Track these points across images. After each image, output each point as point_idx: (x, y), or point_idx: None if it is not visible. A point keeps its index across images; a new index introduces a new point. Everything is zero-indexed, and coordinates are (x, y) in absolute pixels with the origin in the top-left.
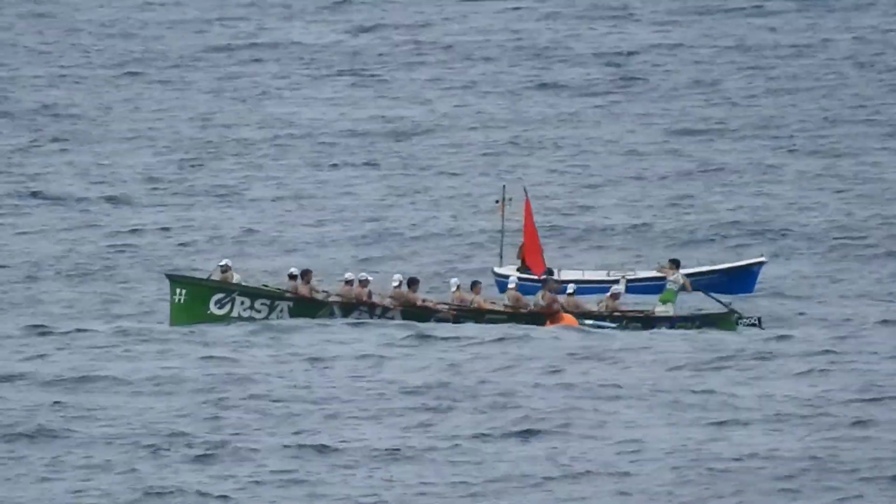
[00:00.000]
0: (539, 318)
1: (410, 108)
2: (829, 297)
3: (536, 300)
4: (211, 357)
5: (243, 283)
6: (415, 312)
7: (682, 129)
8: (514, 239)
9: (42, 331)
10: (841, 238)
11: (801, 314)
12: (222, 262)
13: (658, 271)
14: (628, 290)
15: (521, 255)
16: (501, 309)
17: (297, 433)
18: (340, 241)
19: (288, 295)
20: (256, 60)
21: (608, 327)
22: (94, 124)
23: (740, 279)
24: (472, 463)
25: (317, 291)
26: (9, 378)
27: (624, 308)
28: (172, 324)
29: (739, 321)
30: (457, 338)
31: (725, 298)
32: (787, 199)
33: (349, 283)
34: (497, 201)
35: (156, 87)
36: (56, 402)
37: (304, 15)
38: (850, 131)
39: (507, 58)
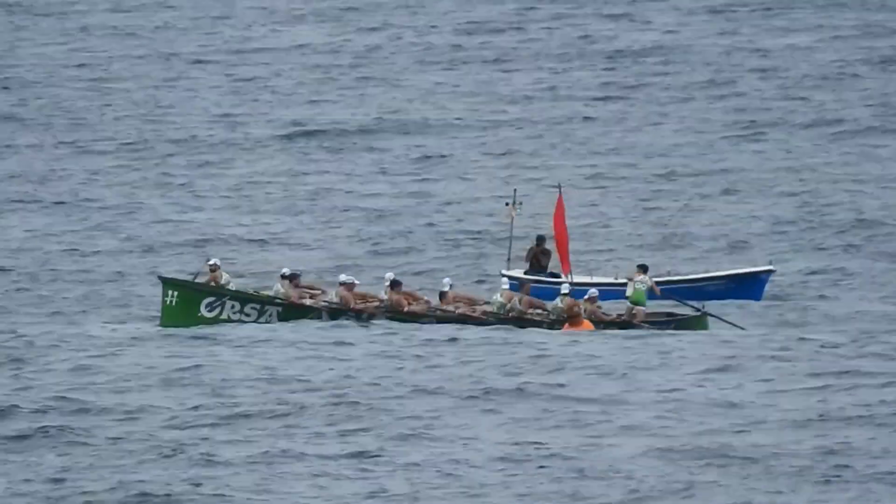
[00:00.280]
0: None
1: (419, 107)
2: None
3: (557, 303)
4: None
5: (232, 287)
6: (402, 317)
7: (695, 131)
8: (523, 242)
9: (49, 328)
10: (859, 238)
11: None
12: (211, 261)
13: (628, 278)
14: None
15: (533, 258)
16: (481, 316)
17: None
18: (347, 240)
19: (278, 300)
20: (264, 63)
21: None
22: (99, 126)
23: (748, 286)
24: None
25: (314, 289)
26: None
27: (601, 311)
28: (163, 325)
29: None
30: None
31: (697, 304)
32: (809, 201)
33: (343, 285)
34: (507, 204)
35: (162, 88)
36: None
37: (311, 14)
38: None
39: (520, 58)
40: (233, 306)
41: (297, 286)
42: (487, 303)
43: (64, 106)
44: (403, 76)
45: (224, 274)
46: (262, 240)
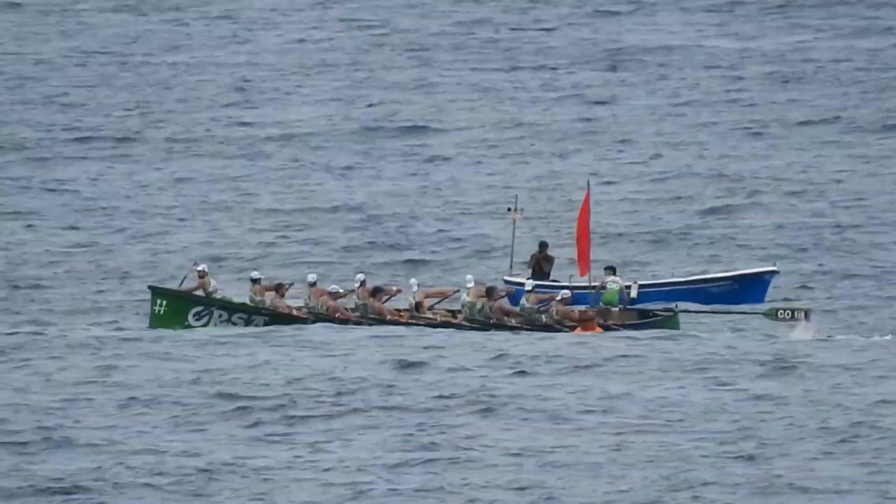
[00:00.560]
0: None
1: (419, 105)
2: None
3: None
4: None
5: (220, 295)
6: (381, 323)
7: (701, 129)
8: (525, 247)
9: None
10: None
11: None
12: (199, 268)
13: (598, 287)
14: (641, 296)
15: (535, 264)
16: (463, 323)
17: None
18: (349, 245)
19: (265, 310)
20: (252, 63)
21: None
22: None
23: (751, 288)
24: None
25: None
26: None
27: (574, 314)
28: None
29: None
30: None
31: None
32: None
33: (331, 293)
34: (509, 209)
35: (155, 89)
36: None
37: (307, 9)
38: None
39: (517, 56)
40: (220, 315)
41: (282, 296)
42: (457, 291)
43: (56, 103)
44: (401, 74)
45: (212, 281)
46: (265, 246)
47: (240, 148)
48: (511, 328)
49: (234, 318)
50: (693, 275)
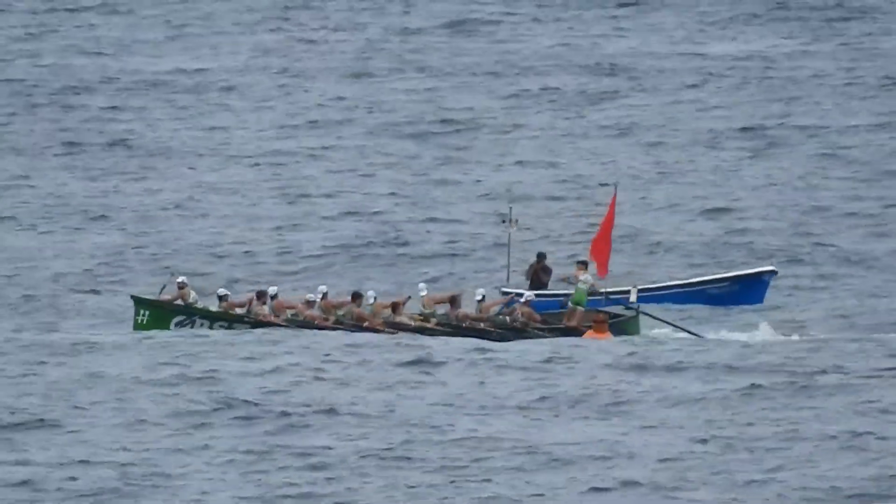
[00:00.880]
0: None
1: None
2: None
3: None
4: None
5: (199, 305)
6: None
7: (698, 136)
8: (522, 256)
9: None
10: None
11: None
12: (179, 279)
13: (562, 279)
14: (640, 299)
15: (533, 275)
16: (436, 327)
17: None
18: (338, 249)
19: (246, 318)
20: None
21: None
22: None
23: (749, 288)
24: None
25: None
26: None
27: (536, 315)
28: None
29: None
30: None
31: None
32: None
33: (308, 303)
34: (504, 221)
35: (139, 92)
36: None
37: (300, 11)
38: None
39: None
40: (202, 324)
41: (263, 304)
42: (409, 297)
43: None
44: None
45: (191, 292)
46: (259, 249)
47: (219, 155)
48: (481, 332)
49: (216, 327)
50: (691, 277)
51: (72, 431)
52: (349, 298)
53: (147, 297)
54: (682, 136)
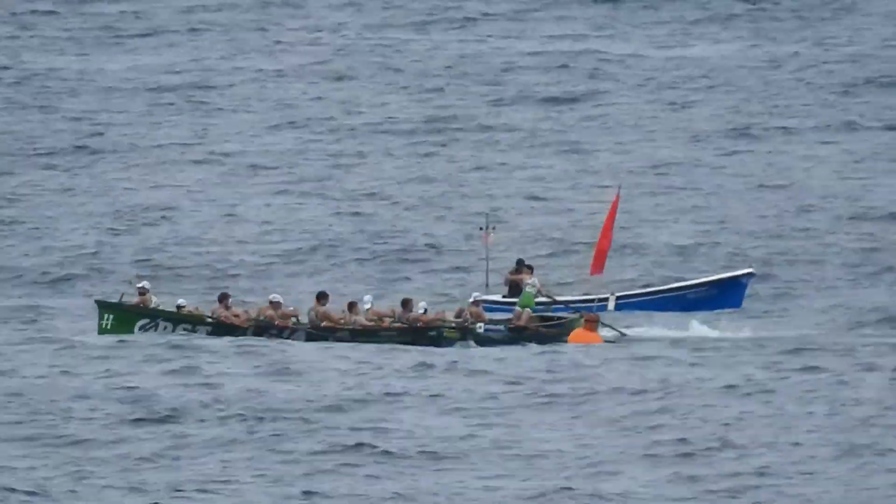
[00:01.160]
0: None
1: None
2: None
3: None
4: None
5: (163, 308)
6: (319, 332)
7: (668, 137)
8: (498, 265)
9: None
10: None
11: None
12: (140, 285)
13: (510, 277)
14: (619, 306)
15: (511, 282)
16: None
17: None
18: (322, 251)
19: (209, 319)
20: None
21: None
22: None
23: (728, 292)
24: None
25: (236, 315)
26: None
27: (485, 316)
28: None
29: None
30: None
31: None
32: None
33: (273, 304)
34: (481, 228)
35: (113, 94)
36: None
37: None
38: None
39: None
40: (165, 327)
41: (226, 307)
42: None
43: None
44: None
45: (153, 298)
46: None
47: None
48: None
49: (179, 329)
50: (670, 282)
51: None
52: (347, 304)
53: (111, 300)
54: (660, 136)
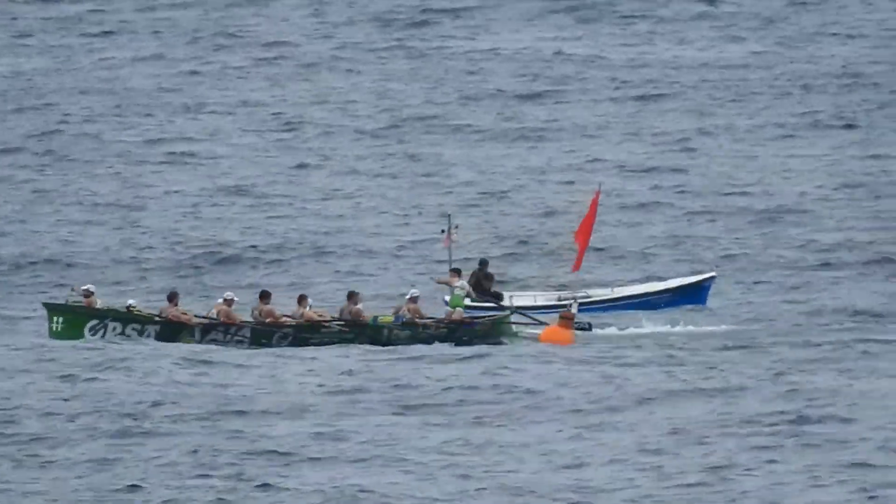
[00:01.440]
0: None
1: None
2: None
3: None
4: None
5: (113, 308)
6: (264, 329)
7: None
8: (461, 266)
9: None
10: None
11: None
12: (84, 287)
13: (438, 282)
14: (581, 310)
15: (475, 282)
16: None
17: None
18: (282, 250)
19: (157, 318)
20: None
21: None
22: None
23: (691, 296)
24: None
25: (184, 314)
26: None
27: (423, 313)
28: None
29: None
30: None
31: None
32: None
33: (227, 301)
34: (443, 231)
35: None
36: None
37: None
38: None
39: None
40: (114, 328)
41: (175, 305)
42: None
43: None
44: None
45: (97, 301)
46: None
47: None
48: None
49: (128, 329)
50: (638, 288)
51: None
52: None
53: (58, 302)
54: (624, 137)
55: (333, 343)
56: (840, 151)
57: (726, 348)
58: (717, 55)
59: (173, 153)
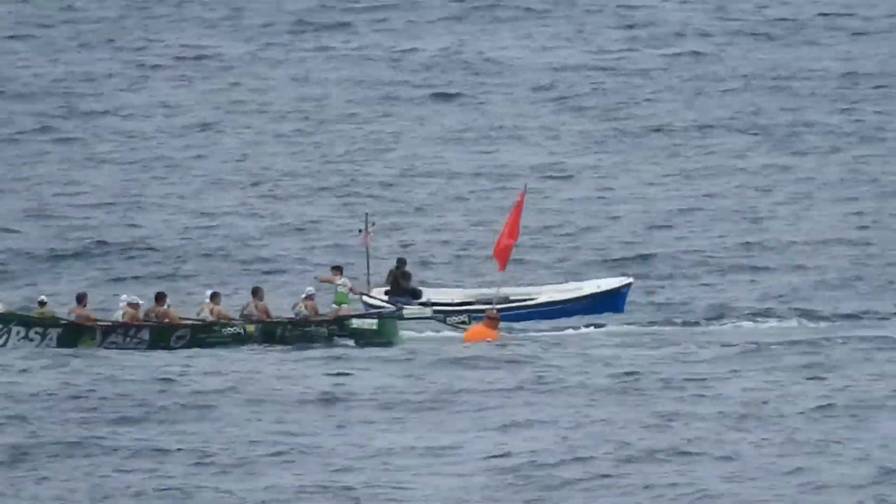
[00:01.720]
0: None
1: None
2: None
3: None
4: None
5: (17, 312)
6: (162, 330)
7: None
8: (379, 266)
9: None
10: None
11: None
12: None
13: (321, 280)
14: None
15: (393, 280)
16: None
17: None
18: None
19: (62, 322)
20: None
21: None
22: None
23: (609, 302)
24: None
25: (87, 317)
26: None
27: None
28: None
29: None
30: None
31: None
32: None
33: (132, 305)
34: (360, 231)
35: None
36: None
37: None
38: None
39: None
40: (18, 332)
41: (84, 306)
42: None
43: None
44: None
45: (1, 305)
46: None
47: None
48: (277, 324)
49: (31, 333)
50: (556, 295)
51: None
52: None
53: None
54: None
55: (229, 344)
56: (753, 150)
57: (644, 346)
58: (634, 56)
59: (111, 153)
